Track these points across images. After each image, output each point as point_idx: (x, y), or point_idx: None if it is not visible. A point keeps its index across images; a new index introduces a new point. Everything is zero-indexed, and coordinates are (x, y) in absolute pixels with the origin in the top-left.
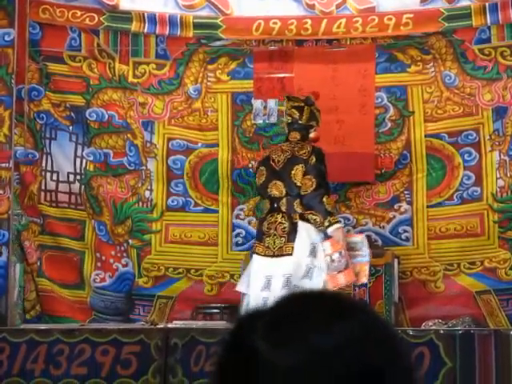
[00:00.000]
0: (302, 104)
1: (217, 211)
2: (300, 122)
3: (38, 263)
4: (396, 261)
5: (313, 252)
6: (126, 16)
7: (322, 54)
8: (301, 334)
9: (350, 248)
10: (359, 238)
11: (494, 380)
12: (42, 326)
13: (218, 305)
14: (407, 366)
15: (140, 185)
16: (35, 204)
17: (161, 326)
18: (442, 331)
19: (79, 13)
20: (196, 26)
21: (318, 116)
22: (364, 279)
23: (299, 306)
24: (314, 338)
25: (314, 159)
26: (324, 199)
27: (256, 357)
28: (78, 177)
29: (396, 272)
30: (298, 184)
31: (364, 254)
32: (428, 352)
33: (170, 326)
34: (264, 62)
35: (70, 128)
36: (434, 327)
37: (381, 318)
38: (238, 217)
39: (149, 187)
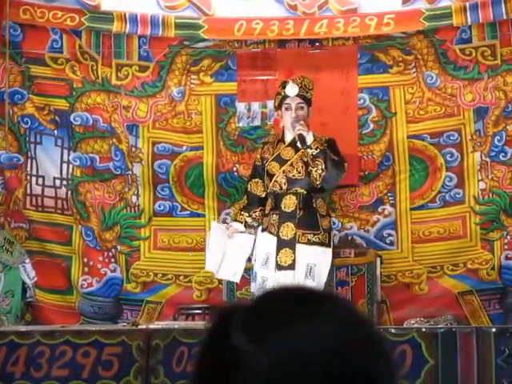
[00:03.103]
0: None
1: (203, 215)
2: None
3: None
4: (378, 260)
5: None
6: (108, 16)
7: (305, 57)
8: (281, 330)
9: None
10: None
11: (475, 378)
12: (22, 328)
13: (200, 305)
14: (391, 365)
15: (127, 190)
16: (20, 209)
17: (142, 326)
18: (423, 329)
19: (60, 13)
20: (178, 26)
21: None
22: None
23: (281, 302)
24: (294, 336)
25: None
26: None
27: (235, 352)
28: (65, 182)
29: (378, 271)
30: None
31: None
32: (410, 350)
33: (151, 326)
34: (247, 65)
35: (55, 132)
36: (415, 325)
37: (364, 317)
38: (224, 221)
39: (135, 192)
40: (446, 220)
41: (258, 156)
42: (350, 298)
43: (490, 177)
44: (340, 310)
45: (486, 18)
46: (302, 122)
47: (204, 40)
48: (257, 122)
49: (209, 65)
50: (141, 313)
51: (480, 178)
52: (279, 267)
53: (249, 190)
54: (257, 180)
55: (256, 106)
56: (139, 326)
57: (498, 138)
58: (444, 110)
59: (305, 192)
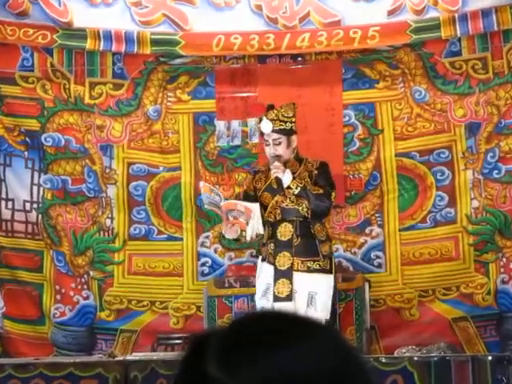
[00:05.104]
0: None
1: (181, 239)
2: None
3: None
4: (367, 285)
5: None
6: (81, 33)
7: (287, 72)
8: (254, 361)
9: None
10: None
11: None
12: None
13: (180, 335)
14: None
15: (100, 213)
16: None
17: (119, 358)
18: (416, 358)
19: (31, 31)
20: (154, 42)
21: None
22: None
23: (256, 328)
24: (268, 367)
25: None
26: None
27: (209, 382)
28: (35, 205)
29: (367, 297)
30: None
31: None
32: (402, 380)
33: (129, 358)
34: (226, 81)
35: (26, 153)
36: (407, 354)
37: (347, 343)
38: (203, 244)
39: (109, 215)
40: (438, 241)
41: (251, 186)
42: (338, 325)
43: (483, 195)
44: (322, 338)
45: (476, 30)
46: (276, 163)
47: (181, 56)
48: (237, 141)
49: (186, 82)
50: (115, 343)
51: (473, 196)
52: (276, 299)
53: None
54: None
55: (236, 125)
56: (116, 358)
57: (491, 154)
58: (434, 126)
59: (301, 219)
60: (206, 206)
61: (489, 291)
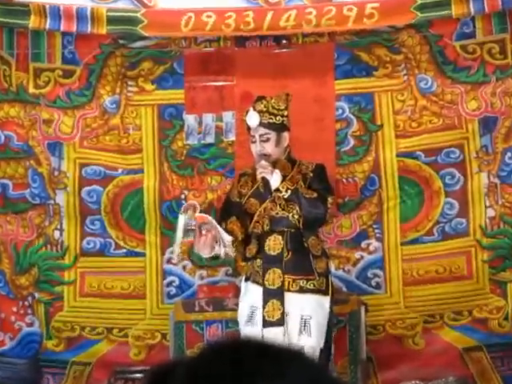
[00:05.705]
0: None
1: (143, 254)
2: None
3: None
4: (363, 308)
5: None
6: (23, 9)
7: (269, 57)
8: None
9: None
10: None
11: None
12: None
13: (142, 368)
14: None
15: (47, 223)
16: None
17: None
18: None
19: None
20: (111, 20)
21: None
22: None
23: (229, 358)
24: None
25: None
26: None
27: None
28: None
29: (363, 322)
30: None
31: None
32: None
33: None
34: (197, 68)
35: None
36: None
37: (326, 372)
38: (169, 261)
39: (58, 226)
40: (447, 256)
41: (235, 191)
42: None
43: (500, 202)
44: (297, 369)
45: (492, 7)
46: (262, 162)
47: (143, 38)
48: (210, 139)
49: (150, 68)
50: (65, 377)
51: (488, 203)
52: (266, 323)
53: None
54: (232, 220)
55: (209, 119)
56: None
57: (510, 154)
58: (442, 121)
59: (292, 230)
60: (181, 240)
61: (506, 316)
